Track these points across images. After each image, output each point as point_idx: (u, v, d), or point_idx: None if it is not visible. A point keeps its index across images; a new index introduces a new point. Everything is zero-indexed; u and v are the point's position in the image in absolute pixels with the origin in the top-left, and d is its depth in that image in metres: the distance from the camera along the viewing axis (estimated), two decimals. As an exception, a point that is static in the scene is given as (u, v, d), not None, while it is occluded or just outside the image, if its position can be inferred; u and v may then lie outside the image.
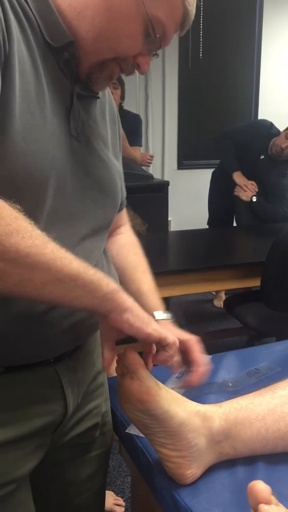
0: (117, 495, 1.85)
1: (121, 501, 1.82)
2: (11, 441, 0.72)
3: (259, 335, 2.68)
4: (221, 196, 3.35)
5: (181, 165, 4.55)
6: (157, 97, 4.32)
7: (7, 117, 0.60)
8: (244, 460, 0.80)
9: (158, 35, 0.70)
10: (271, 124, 3.23)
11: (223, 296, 3.70)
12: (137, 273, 0.94)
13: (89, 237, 0.77)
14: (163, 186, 3.13)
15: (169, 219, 3.46)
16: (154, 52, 0.74)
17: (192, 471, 0.75)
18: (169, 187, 3.13)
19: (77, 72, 0.72)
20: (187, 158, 4.54)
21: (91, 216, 0.77)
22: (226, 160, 3.27)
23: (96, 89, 0.76)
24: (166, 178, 4.21)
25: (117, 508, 1.78)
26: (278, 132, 3.11)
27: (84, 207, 0.75)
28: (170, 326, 0.81)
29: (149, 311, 0.83)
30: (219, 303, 3.72)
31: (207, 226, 3.47)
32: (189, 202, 4.33)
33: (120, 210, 0.94)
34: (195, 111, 4.50)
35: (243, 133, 3.19)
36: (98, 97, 0.81)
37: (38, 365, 0.74)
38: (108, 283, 0.66)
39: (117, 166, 0.85)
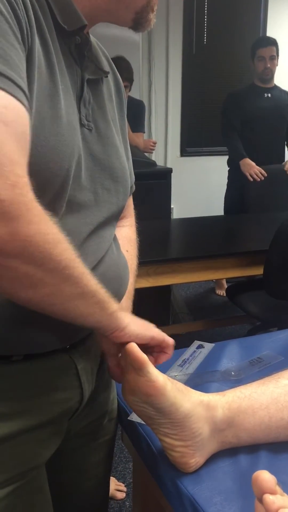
0: (118, 481, 1.87)
1: (122, 487, 1.84)
2: (32, 428, 0.73)
3: (261, 325, 2.68)
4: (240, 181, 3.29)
5: (184, 152, 4.51)
6: (160, 83, 4.27)
7: None
8: (246, 449, 0.81)
9: None
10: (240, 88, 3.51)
11: (224, 283, 3.70)
12: None
13: (102, 225, 0.76)
14: (166, 173, 3.11)
15: (171, 206, 3.44)
16: None
17: (196, 460, 0.75)
18: (172, 174, 3.11)
19: (88, 57, 0.71)
20: (190, 145, 4.50)
21: (104, 204, 0.76)
22: (231, 149, 3.30)
23: (146, 29, 0.77)
24: (169, 165, 4.18)
25: (118, 493, 1.80)
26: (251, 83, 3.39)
27: (96, 196, 0.74)
28: (152, 325, 0.80)
29: None
30: (221, 291, 3.71)
31: (209, 214, 3.44)
32: (192, 189, 4.30)
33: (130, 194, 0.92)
34: (199, 98, 4.45)
35: (235, 103, 3.29)
36: (106, 76, 0.79)
37: (55, 352, 0.74)
38: (113, 303, 0.68)
39: (126, 149, 0.84)
